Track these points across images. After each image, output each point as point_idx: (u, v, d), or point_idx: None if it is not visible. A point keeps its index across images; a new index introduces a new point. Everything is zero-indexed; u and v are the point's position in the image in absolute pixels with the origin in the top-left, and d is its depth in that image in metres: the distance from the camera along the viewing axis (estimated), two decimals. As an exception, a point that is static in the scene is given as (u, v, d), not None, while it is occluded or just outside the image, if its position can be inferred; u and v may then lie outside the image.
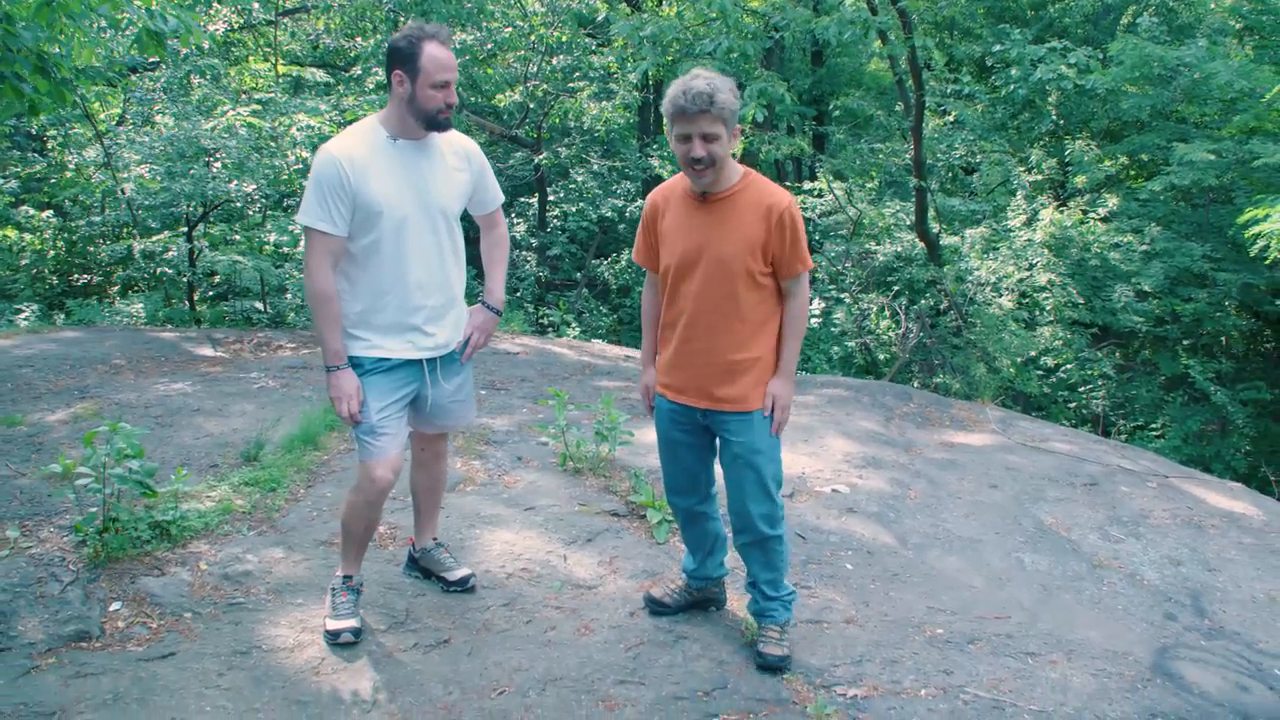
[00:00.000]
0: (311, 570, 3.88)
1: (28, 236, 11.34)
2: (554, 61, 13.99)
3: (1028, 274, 12.25)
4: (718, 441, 3.43)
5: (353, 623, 3.40)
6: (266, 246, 10.18)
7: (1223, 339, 12.66)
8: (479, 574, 3.89)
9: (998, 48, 12.01)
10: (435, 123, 3.19)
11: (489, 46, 13.12)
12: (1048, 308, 12.12)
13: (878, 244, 13.48)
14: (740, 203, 3.19)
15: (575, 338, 12.05)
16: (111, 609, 3.51)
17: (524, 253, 15.39)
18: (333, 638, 3.37)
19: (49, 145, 12.55)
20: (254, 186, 9.26)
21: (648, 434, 5.56)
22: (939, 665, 3.56)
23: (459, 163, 3.36)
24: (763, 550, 3.46)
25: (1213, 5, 15.45)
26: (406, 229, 3.22)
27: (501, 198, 3.58)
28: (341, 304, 3.24)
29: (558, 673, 3.33)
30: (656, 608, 3.73)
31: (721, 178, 3.19)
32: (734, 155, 3.26)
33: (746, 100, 8.75)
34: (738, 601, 3.85)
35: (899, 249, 13.25)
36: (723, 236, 3.19)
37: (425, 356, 3.36)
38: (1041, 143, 14.44)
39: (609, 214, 15.33)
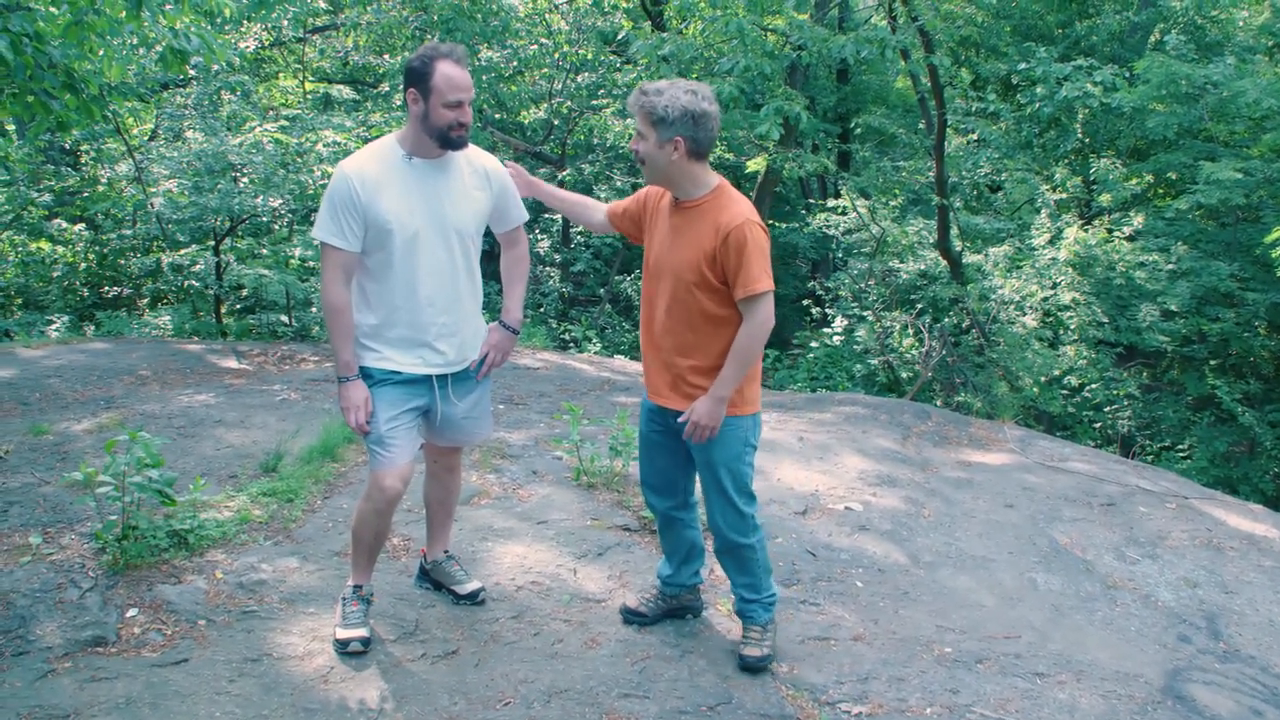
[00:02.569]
0: (324, 580, 3.93)
1: (60, 249, 11.56)
2: (578, 79, 14.10)
3: (1052, 293, 12.18)
4: None
5: (362, 632, 3.44)
6: (292, 260, 10.31)
7: (1251, 359, 12.50)
8: (489, 586, 3.93)
9: (1023, 66, 12.00)
10: (449, 140, 3.22)
11: (514, 64, 13.24)
12: (1072, 327, 12.04)
13: (901, 262, 13.46)
14: (701, 215, 3.25)
15: (597, 353, 12.10)
16: (128, 615, 3.57)
17: (547, 268, 15.48)
18: (342, 646, 3.42)
19: (82, 160, 12.80)
20: (280, 201, 9.40)
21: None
22: (946, 684, 3.55)
23: (478, 181, 3.39)
24: (734, 558, 3.53)
25: (1241, 23, 15.34)
26: (418, 246, 3.26)
27: (524, 216, 3.59)
28: (357, 316, 3.30)
29: (563, 685, 3.35)
30: (633, 618, 3.76)
31: (681, 185, 3.26)
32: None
33: (762, 118, 8.79)
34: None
35: (922, 267, 13.22)
36: (679, 246, 3.27)
37: (435, 373, 3.40)
38: (1067, 161, 14.37)
39: (632, 230, 15.37)
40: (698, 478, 3.53)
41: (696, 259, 3.21)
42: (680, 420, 3.30)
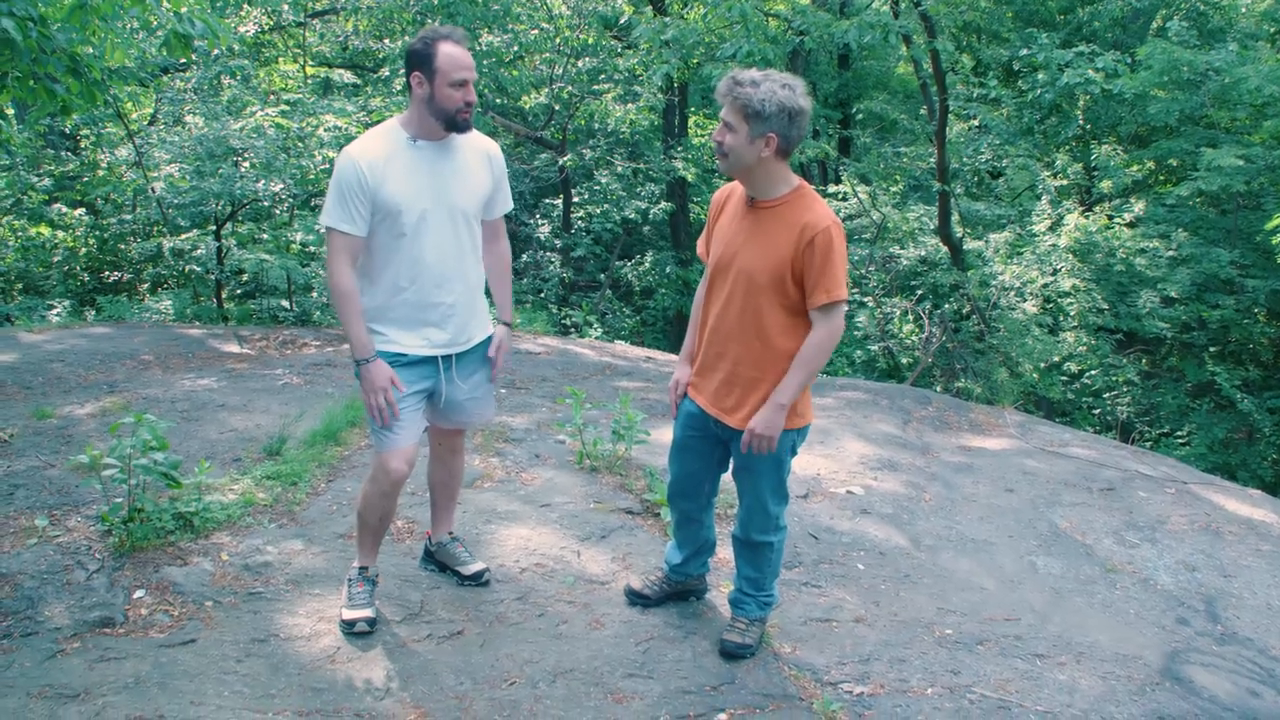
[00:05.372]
0: (329, 562, 3.96)
1: (60, 234, 11.55)
2: (579, 64, 14.06)
3: (1052, 279, 12.21)
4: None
5: (368, 613, 3.47)
6: (293, 245, 10.29)
7: (1250, 346, 12.54)
8: (494, 568, 3.95)
9: (1025, 52, 11.98)
10: (455, 123, 3.22)
11: (515, 49, 13.20)
12: (1072, 313, 12.07)
13: (901, 248, 13.48)
14: (780, 217, 3.13)
15: (597, 338, 12.11)
16: (135, 596, 3.59)
17: (548, 254, 15.47)
18: (348, 627, 3.44)
19: (82, 144, 12.77)
20: (281, 186, 9.38)
21: (664, 433, 5.60)
22: (946, 665, 3.59)
23: (481, 163, 3.40)
24: (751, 550, 3.52)
25: (1244, 9, 15.31)
26: (425, 228, 3.27)
27: (510, 206, 3.58)
28: (362, 299, 3.31)
29: (568, 665, 3.38)
30: (636, 599, 3.78)
31: (762, 184, 3.14)
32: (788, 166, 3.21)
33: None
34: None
35: (923, 253, 13.23)
36: (755, 248, 3.15)
37: (440, 353, 3.41)
38: (1068, 147, 14.37)
39: (633, 216, 15.38)
40: (729, 475, 3.50)
41: (774, 261, 3.09)
42: (743, 446, 3.22)
